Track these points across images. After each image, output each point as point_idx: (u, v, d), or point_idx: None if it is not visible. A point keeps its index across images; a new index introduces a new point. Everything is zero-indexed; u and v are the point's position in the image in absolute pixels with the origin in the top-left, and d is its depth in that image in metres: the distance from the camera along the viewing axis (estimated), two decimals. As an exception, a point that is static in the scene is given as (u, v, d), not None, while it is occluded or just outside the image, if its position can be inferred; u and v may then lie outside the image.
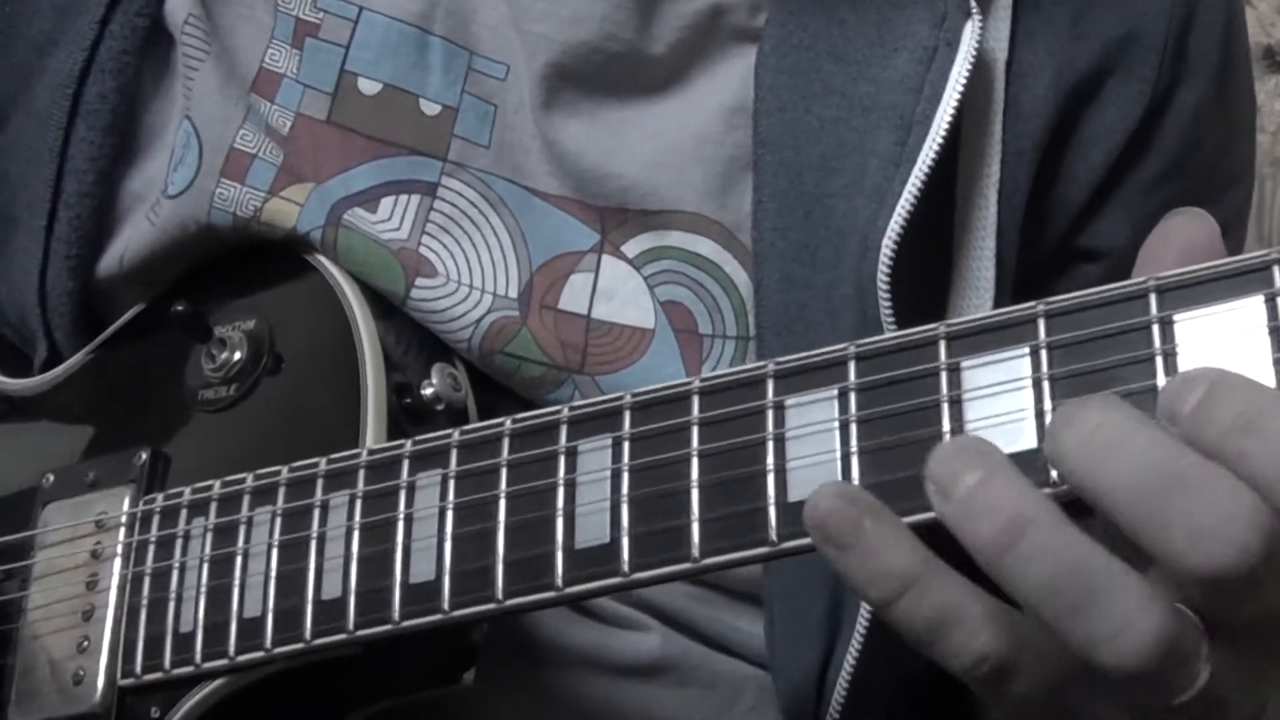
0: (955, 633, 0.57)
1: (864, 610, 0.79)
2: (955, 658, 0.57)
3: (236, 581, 0.74)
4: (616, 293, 0.84)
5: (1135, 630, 0.54)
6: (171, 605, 0.76)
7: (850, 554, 0.58)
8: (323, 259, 0.83)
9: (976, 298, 0.83)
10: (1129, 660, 0.54)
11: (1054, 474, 0.58)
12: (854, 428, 0.62)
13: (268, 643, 0.73)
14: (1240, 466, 0.53)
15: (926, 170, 0.79)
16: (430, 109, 0.85)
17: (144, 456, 0.81)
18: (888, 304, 0.77)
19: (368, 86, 0.86)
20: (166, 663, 0.76)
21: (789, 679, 0.82)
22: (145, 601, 0.77)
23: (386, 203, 0.84)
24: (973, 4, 0.81)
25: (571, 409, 0.69)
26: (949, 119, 0.79)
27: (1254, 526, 0.52)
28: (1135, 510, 0.54)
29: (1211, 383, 0.54)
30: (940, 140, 0.79)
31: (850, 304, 0.79)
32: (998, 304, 0.83)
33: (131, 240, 0.87)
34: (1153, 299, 0.59)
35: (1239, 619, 0.56)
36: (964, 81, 0.79)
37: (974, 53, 0.80)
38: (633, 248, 0.84)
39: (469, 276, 0.83)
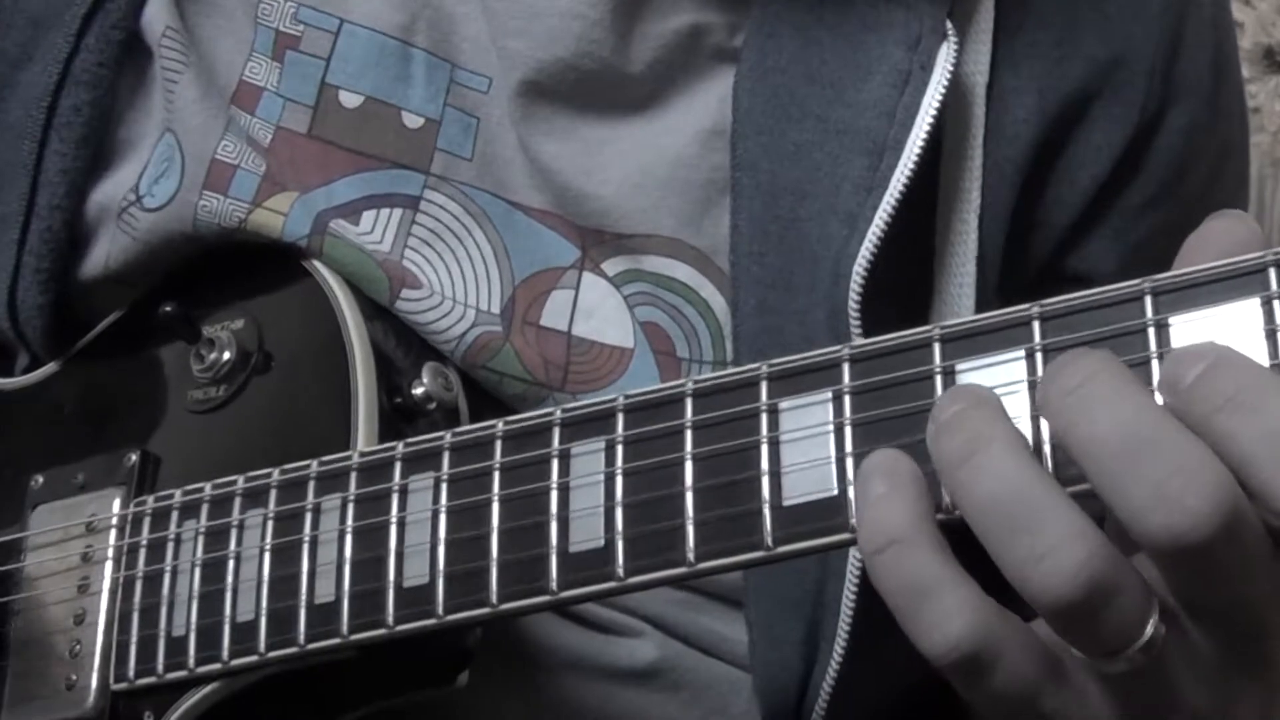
0: (931, 609, 0.57)
1: (842, 632, 0.79)
2: (928, 637, 0.58)
3: (229, 585, 0.74)
4: (596, 311, 0.83)
5: (1063, 554, 0.55)
6: (164, 609, 0.76)
7: (857, 499, 0.59)
8: (313, 259, 0.83)
9: None
10: (1052, 583, 0.55)
11: (1049, 465, 0.58)
12: (849, 430, 0.62)
13: (261, 646, 0.73)
14: (1228, 443, 0.54)
15: (898, 196, 0.78)
16: (412, 122, 0.84)
17: (133, 458, 0.81)
18: (859, 331, 0.77)
19: (349, 99, 0.85)
20: (159, 667, 0.75)
21: (768, 697, 0.82)
22: (137, 605, 0.77)
23: (368, 216, 0.83)
24: (949, 27, 0.80)
25: (564, 411, 0.68)
26: (921, 144, 0.78)
27: (1214, 499, 0.53)
28: (1104, 465, 0.55)
29: (1215, 358, 0.55)
30: (912, 166, 0.78)
31: (824, 330, 0.79)
32: (979, 328, 0.83)
33: (113, 248, 0.86)
34: (1148, 301, 0.59)
35: (1200, 601, 0.56)
36: (937, 106, 0.79)
37: (948, 76, 0.79)
38: (611, 267, 0.84)
39: (452, 290, 0.83)
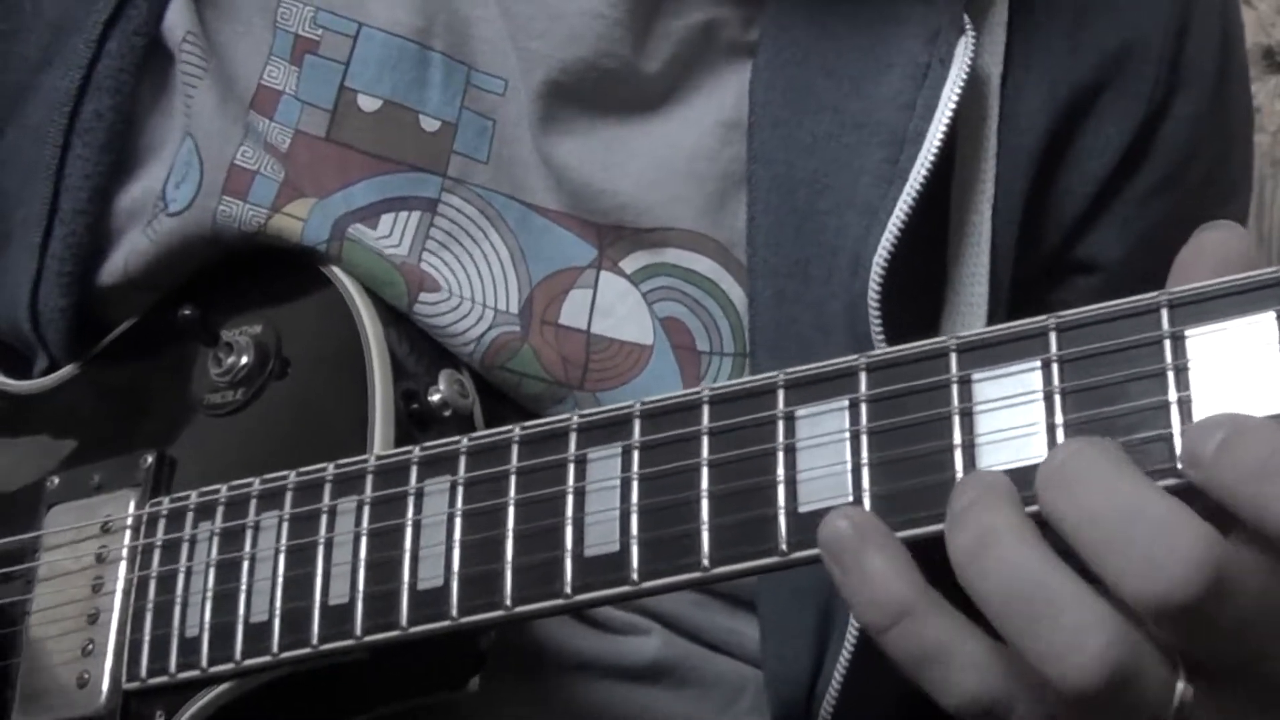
0: (945, 669, 0.58)
1: (853, 623, 0.79)
2: (945, 694, 0.58)
3: (243, 586, 0.74)
4: (615, 309, 0.84)
5: (1083, 647, 0.55)
6: (177, 609, 0.76)
7: (851, 577, 0.59)
8: (331, 265, 0.84)
9: (970, 314, 0.83)
10: (1074, 677, 0.55)
11: None
12: (864, 439, 0.63)
13: (275, 647, 0.73)
14: (1260, 511, 0.54)
15: (918, 188, 0.79)
16: (430, 125, 0.85)
17: (150, 460, 0.81)
18: (878, 321, 0.77)
19: (367, 103, 0.85)
20: (172, 666, 0.76)
21: (779, 689, 0.83)
22: (151, 605, 0.77)
23: (386, 219, 0.84)
24: (966, 21, 0.81)
25: (581, 416, 0.69)
26: (941, 136, 0.79)
27: (1192, 559, 0.53)
28: (1086, 539, 0.55)
29: (1232, 428, 0.55)
30: (932, 158, 0.79)
31: (841, 321, 0.79)
32: (991, 319, 0.83)
33: (132, 253, 0.87)
34: (1164, 314, 0.59)
35: (1213, 656, 0.56)
36: (956, 99, 0.80)
37: (967, 70, 0.80)
38: (630, 264, 0.84)
39: (470, 291, 0.84)
